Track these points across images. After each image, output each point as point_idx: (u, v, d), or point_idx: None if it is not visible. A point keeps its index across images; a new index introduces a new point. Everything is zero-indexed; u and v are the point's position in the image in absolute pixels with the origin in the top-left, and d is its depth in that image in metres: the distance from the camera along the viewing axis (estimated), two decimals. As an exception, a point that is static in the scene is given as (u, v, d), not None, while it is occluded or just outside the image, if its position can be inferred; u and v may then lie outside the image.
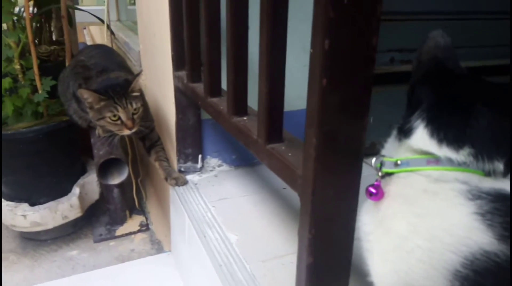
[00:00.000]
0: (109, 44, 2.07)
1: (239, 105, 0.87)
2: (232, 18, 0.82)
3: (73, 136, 1.81)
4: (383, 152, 0.64)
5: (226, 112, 0.90)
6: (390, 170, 0.58)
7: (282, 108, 0.73)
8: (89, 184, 1.91)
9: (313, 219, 0.61)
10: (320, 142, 0.56)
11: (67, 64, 1.73)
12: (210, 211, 1.21)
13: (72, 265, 1.72)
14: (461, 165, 0.53)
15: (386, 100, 1.59)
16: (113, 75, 1.31)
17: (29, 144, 1.63)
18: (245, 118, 0.87)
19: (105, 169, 1.38)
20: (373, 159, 0.61)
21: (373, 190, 0.58)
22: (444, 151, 0.54)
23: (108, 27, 2.22)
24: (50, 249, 1.82)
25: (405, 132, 0.58)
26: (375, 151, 1.69)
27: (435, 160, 0.54)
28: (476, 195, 0.52)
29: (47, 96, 1.61)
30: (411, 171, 0.56)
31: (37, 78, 1.62)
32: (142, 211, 2.04)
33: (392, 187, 0.58)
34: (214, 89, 1.00)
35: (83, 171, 1.95)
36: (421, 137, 0.56)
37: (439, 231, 0.51)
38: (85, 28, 4.96)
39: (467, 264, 0.49)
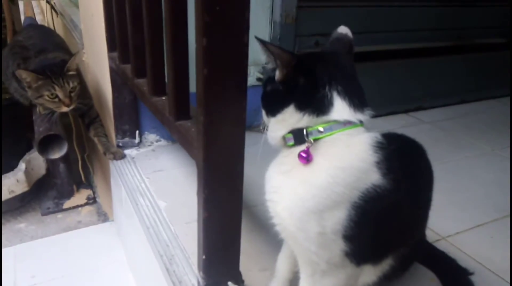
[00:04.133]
0: (49, 19, 2.09)
1: (158, 86, 0.99)
2: (149, 11, 0.92)
3: (17, 114, 1.85)
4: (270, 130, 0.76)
5: (147, 92, 1.02)
6: (317, 137, 0.70)
7: (188, 90, 0.85)
8: (35, 159, 1.97)
9: (206, 181, 0.75)
10: (206, 119, 0.70)
11: (8, 41, 1.76)
12: (144, 182, 1.34)
13: (20, 236, 1.81)
14: (360, 122, 0.71)
15: (311, 80, 1.75)
16: (51, 56, 1.39)
17: (-29, 121, 1.68)
18: (163, 98, 0.99)
19: (46, 145, 1.47)
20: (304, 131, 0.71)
21: (304, 155, 0.69)
22: (358, 116, 0.71)
23: (48, 2, 2.23)
24: (-2, 222, 1.89)
25: (323, 110, 0.70)
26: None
27: (348, 121, 0.70)
28: (376, 147, 0.70)
29: (-13, 74, 1.64)
30: (333, 134, 0.70)
31: (-24, 56, 1.65)
32: (89, 185, 2.13)
33: (320, 150, 0.70)
34: (139, 71, 1.11)
35: (28, 148, 2.00)
36: (343, 109, 0.70)
37: (353, 179, 0.68)
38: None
39: (362, 196, 0.67)
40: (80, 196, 2.06)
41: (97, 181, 2.14)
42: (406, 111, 2.04)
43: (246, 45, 0.67)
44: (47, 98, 1.32)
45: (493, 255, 1.08)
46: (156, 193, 1.28)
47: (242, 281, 0.90)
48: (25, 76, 1.30)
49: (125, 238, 1.49)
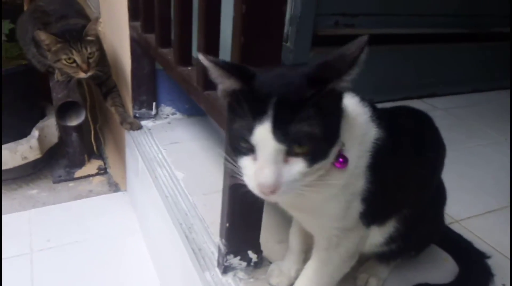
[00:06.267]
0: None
1: (184, 56, 0.99)
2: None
3: (32, 80, 1.85)
4: None
5: (173, 62, 1.02)
6: None
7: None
8: (48, 127, 1.98)
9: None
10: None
11: (25, 8, 1.75)
12: (161, 153, 1.35)
13: (32, 203, 1.83)
14: None
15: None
16: (72, 22, 1.39)
17: (-13, 86, 1.68)
18: (189, 68, 0.99)
19: (63, 112, 1.47)
20: None
21: (342, 159, 0.64)
22: None
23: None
24: (10, 188, 1.91)
25: None
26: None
27: None
28: (362, 102, 0.69)
29: (5, 39, 1.64)
30: None
31: (-6, 21, 1.64)
32: (100, 155, 2.14)
33: None
34: (164, 41, 1.11)
35: (42, 115, 2.01)
36: None
37: (367, 145, 0.68)
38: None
39: (371, 154, 0.67)
40: (91, 166, 2.07)
41: (108, 152, 2.16)
42: (419, 97, 2.04)
43: (284, 14, 0.67)
44: (64, 62, 1.33)
45: (504, 240, 1.09)
46: (174, 164, 1.29)
47: (261, 251, 0.92)
48: (44, 38, 1.30)
49: (139, 207, 1.52)
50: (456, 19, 2.03)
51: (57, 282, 1.28)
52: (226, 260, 0.87)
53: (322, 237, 0.74)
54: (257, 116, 0.54)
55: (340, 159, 0.64)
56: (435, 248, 1.02)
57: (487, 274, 0.93)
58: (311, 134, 0.55)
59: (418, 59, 1.98)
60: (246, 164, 0.58)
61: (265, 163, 0.55)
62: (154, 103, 1.52)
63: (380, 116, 0.70)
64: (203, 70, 0.86)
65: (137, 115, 1.51)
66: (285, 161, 0.56)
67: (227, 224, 0.83)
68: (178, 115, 1.60)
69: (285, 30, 1.62)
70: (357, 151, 0.67)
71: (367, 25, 1.76)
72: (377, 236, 0.80)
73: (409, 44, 1.93)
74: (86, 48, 1.31)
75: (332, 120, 0.59)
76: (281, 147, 0.54)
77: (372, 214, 0.73)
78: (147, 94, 1.49)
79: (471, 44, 2.12)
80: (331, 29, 1.70)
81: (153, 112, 1.53)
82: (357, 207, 0.70)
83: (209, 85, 0.87)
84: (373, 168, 0.68)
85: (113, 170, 2.06)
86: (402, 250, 0.86)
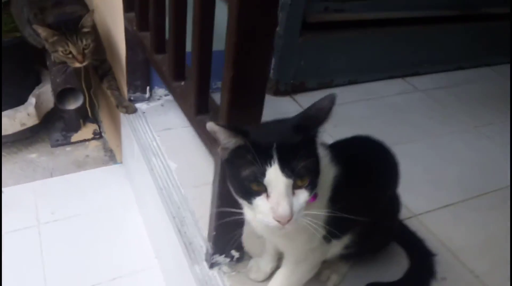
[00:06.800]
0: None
1: (178, 72, 1.07)
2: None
3: (26, 48, 1.87)
4: None
5: (168, 74, 1.10)
6: None
7: (208, 91, 0.95)
8: (44, 94, 2.05)
9: (221, 176, 0.88)
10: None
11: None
12: (155, 140, 1.46)
13: (32, 167, 1.96)
14: None
15: (316, 46, 1.80)
16: (69, 10, 1.42)
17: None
18: (182, 83, 1.08)
19: (61, 94, 1.55)
20: None
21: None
22: None
23: None
24: (10, 151, 2.02)
25: None
26: (304, 88, 1.93)
27: None
28: (324, 146, 0.83)
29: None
30: None
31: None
32: (95, 119, 2.24)
33: None
34: (159, 48, 1.17)
35: (37, 81, 2.07)
36: None
37: (329, 182, 0.82)
38: None
39: (331, 189, 0.82)
40: (87, 130, 2.18)
41: (103, 116, 2.24)
42: (403, 76, 2.12)
43: (268, 73, 0.76)
44: (61, 53, 1.39)
45: (453, 235, 1.25)
46: (167, 153, 1.41)
47: (242, 248, 1.08)
48: (40, 31, 1.35)
49: (136, 184, 1.65)
50: (447, 1, 2.06)
51: (65, 254, 1.44)
52: (213, 258, 1.03)
53: (292, 254, 0.90)
54: (265, 161, 0.67)
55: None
56: (395, 245, 1.18)
57: (430, 271, 1.10)
58: (309, 168, 0.69)
59: (404, 40, 2.04)
60: (259, 203, 0.70)
61: (280, 198, 0.67)
62: (148, 87, 1.59)
63: (337, 155, 0.84)
64: (196, 102, 0.95)
65: (131, 98, 1.59)
66: (293, 194, 0.69)
67: (214, 233, 0.98)
68: (170, 97, 1.68)
69: (276, 17, 1.66)
70: (322, 187, 0.81)
71: (356, 10, 1.80)
72: (336, 247, 0.97)
73: (398, 26, 1.98)
74: (81, 40, 1.36)
75: (315, 158, 0.74)
76: (290, 182, 0.67)
77: (332, 234, 0.88)
78: (142, 79, 1.56)
79: (460, 25, 2.16)
80: (321, 15, 1.74)
81: (147, 95, 1.61)
82: (321, 231, 0.85)
83: (201, 110, 0.97)
84: (333, 200, 0.83)
85: (108, 136, 2.17)
86: (358, 253, 1.02)
